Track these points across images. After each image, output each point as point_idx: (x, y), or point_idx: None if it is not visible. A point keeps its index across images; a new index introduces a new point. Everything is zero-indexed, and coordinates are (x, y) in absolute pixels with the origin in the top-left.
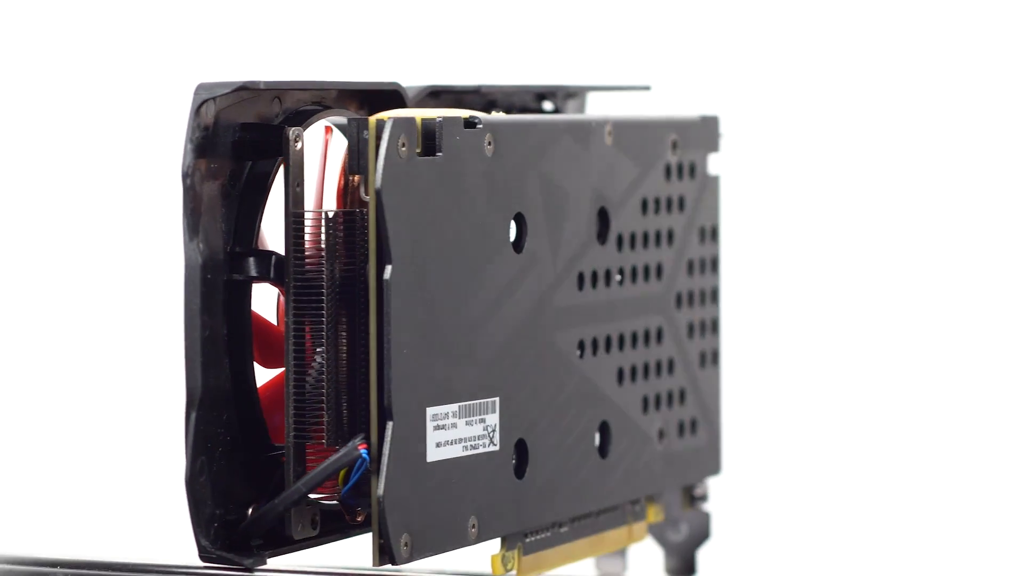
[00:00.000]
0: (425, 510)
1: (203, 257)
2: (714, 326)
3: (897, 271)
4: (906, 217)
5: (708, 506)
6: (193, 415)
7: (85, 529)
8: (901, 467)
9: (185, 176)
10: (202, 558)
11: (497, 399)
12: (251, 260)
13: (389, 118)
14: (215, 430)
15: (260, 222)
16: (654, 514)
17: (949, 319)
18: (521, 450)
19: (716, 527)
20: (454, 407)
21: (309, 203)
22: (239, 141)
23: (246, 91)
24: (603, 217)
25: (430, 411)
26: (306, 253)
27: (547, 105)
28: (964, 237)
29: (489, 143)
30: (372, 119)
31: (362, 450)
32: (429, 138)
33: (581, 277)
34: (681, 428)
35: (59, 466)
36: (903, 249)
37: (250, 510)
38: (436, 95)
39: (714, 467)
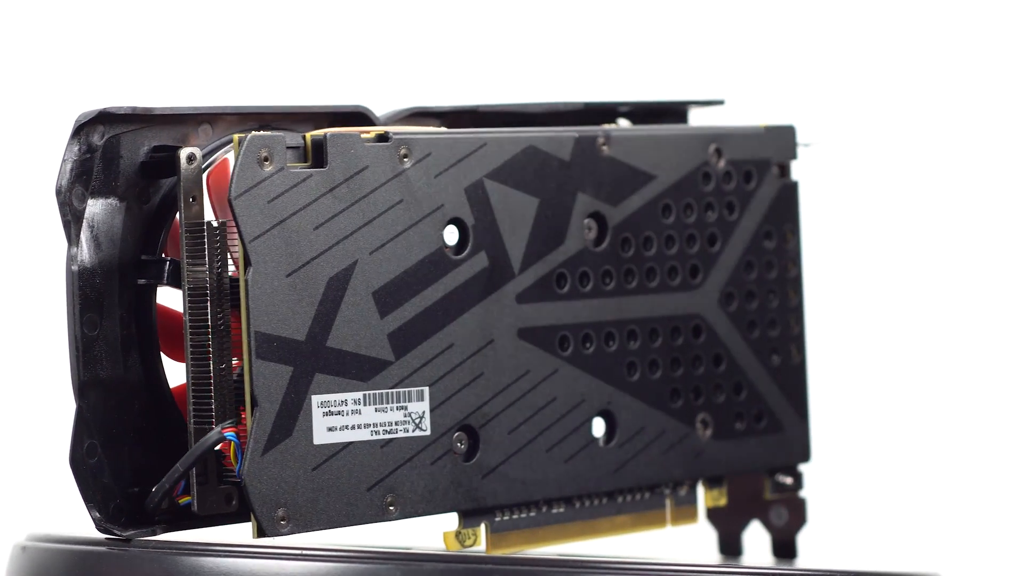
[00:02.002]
0: (312, 488)
1: (78, 265)
2: (791, 322)
3: (979, 269)
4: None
5: (803, 493)
6: (77, 404)
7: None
8: (993, 457)
9: (58, 193)
10: (97, 529)
11: (426, 389)
12: (153, 266)
13: (253, 135)
14: (118, 417)
15: (167, 232)
16: (712, 499)
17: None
18: (471, 435)
19: (821, 514)
20: (356, 395)
21: None
22: (148, 162)
23: (147, 117)
24: (600, 221)
25: (316, 398)
26: (194, 259)
27: (623, 122)
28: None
29: (404, 155)
30: (236, 136)
31: (227, 433)
32: (318, 151)
33: (561, 277)
34: (738, 417)
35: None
36: (982, 249)
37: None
38: (434, 116)
39: (800, 455)
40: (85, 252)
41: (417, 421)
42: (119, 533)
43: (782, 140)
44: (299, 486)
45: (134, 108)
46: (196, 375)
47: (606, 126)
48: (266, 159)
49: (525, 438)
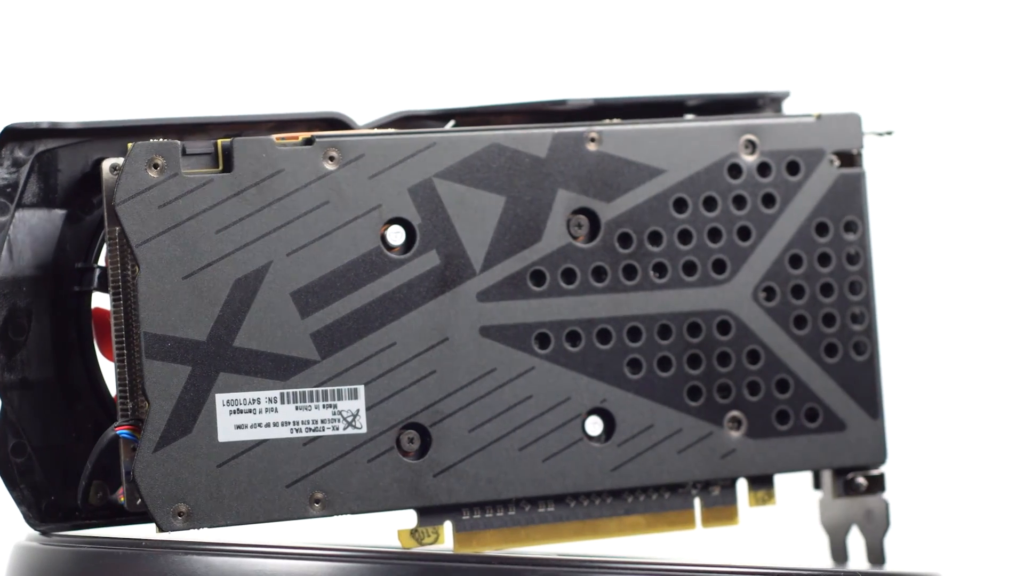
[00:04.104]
0: (217, 484)
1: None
2: (856, 318)
3: None
4: None
5: (887, 495)
6: (2, 405)
7: None
8: None
9: None
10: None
11: (361, 387)
12: (86, 273)
13: (139, 142)
14: (54, 418)
15: (102, 241)
16: (757, 499)
17: None
18: (422, 432)
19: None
20: (271, 394)
21: None
22: (88, 173)
23: (73, 132)
24: (591, 217)
25: (222, 397)
26: (116, 264)
27: (688, 116)
28: None
29: (331, 157)
30: (129, 144)
31: (119, 431)
32: (227, 156)
33: (538, 274)
34: (782, 416)
35: None
36: None
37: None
38: (428, 119)
39: (871, 456)
40: (9, 261)
41: (349, 419)
42: (39, 527)
43: (841, 129)
44: (201, 482)
45: (53, 123)
46: (120, 375)
47: (606, 121)
48: (156, 165)
49: (491, 436)
